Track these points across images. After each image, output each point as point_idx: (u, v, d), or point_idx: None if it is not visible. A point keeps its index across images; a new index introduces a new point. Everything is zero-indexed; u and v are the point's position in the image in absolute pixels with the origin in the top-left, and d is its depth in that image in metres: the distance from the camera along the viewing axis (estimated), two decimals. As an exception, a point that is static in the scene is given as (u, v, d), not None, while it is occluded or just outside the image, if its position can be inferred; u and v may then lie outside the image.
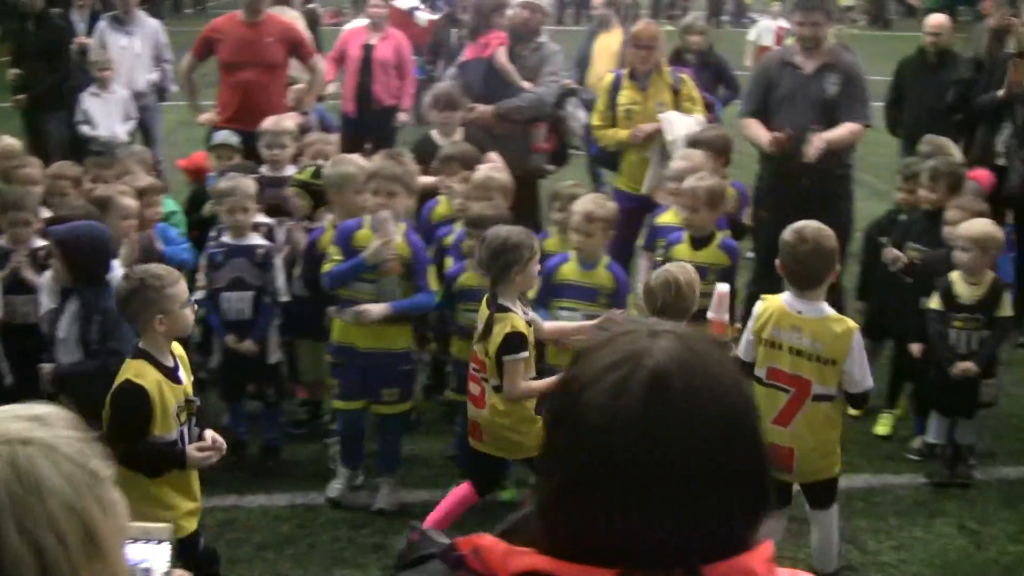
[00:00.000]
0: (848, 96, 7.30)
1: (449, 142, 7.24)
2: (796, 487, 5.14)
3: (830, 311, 4.92)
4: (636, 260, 7.43)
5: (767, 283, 6.38)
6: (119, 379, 4.47)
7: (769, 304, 5.01)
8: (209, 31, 9.09)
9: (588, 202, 5.93)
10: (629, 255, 7.75)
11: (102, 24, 10.82)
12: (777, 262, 5.03)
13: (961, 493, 6.15)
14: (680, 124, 7.53)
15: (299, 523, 5.79)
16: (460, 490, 5.46)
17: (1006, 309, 6.05)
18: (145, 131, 10.80)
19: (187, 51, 9.22)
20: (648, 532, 1.40)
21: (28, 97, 10.56)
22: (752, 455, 1.48)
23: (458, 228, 6.38)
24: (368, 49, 10.39)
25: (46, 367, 5.34)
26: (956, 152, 7.58)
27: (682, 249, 6.13)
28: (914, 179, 6.84)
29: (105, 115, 9.87)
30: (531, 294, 5.92)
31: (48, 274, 5.54)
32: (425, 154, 7.15)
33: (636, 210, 7.82)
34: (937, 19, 9.87)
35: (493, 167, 6.77)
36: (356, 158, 6.48)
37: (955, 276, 6.05)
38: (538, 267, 5.36)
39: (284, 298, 6.28)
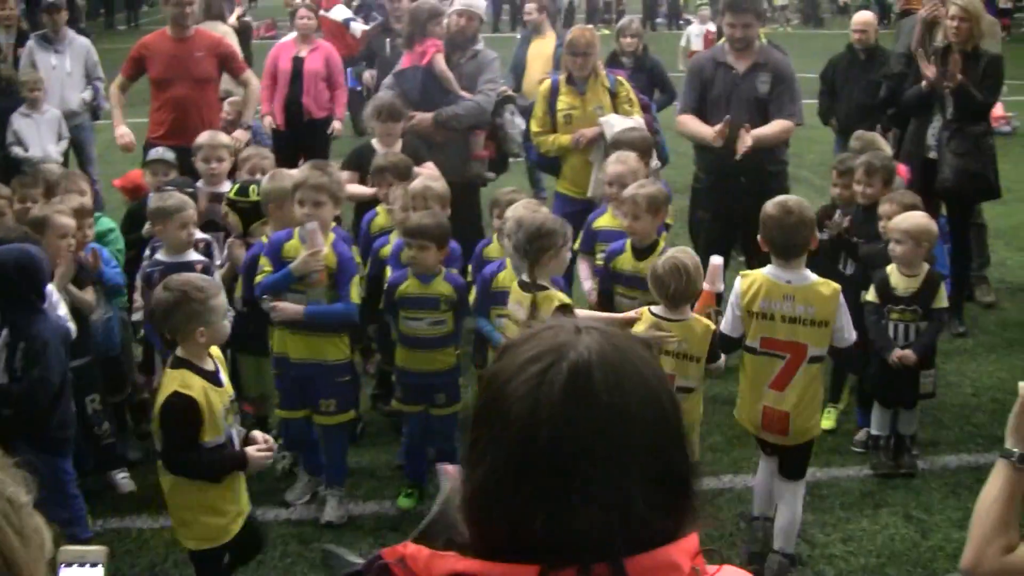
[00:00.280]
0: (779, 94, 7.44)
1: (388, 152, 7.20)
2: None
3: (814, 276, 5.18)
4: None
5: None
6: (165, 391, 4.52)
7: (753, 279, 5.20)
8: (138, 49, 9.03)
9: (519, 208, 5.91)
10: (574, 258, 7.77)
11: (31, 43, 10.68)
12: (759, 237, 5.27)
13: (906, 483, 6.22)
14: (620, 126, 7.56)
15: (248, 540, 5.73)
16: None
17: (942, 300, 6.14)
18: (79, 150, 10.69)
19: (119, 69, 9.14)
20: (570, 523, 1.42)
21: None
22: (674, 449, 1.51)
23: (394, 238, 6.37)
24: (298, 61, 10.37)
25: None
26: (886, 146, 7.71)
27: (625, 259, 6.10)
28: (848, 174, 6.94)
29: (37, 135, 9.74)
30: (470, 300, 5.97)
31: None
32: (365, 164, 7.16)
33: (580, 214, 7.82)
34: (863, 16, 10.07)
35: (430, 176, 6.76)
36: (293, 172, 6.43)
37: (891, 269, 6.13)
38: (569, 254, 5.59)
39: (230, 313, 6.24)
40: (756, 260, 5.82)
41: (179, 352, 4.64)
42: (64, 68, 10.56)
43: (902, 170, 7.69)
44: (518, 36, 13.71)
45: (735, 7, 7.40)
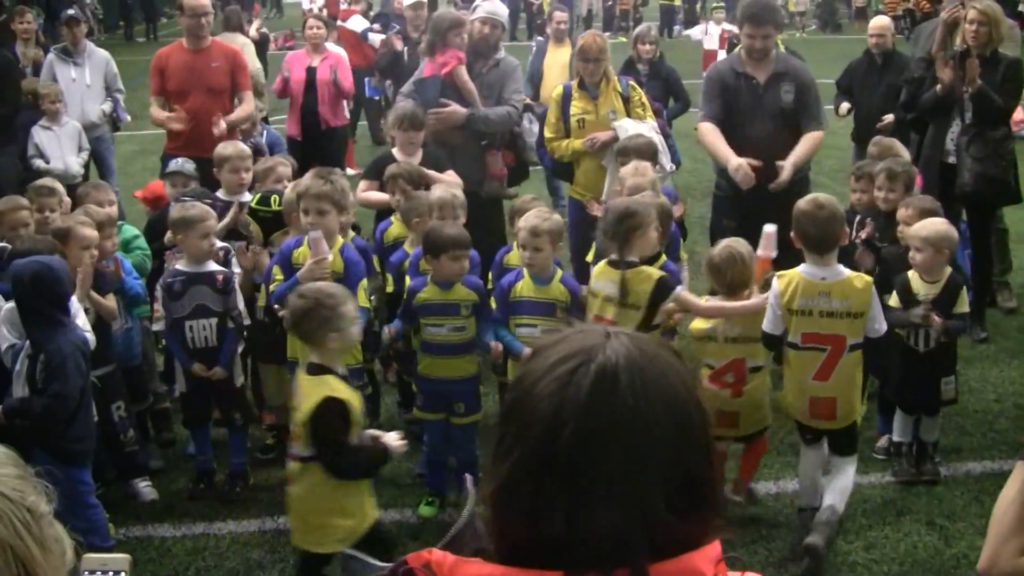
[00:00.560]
0: (804, 104, 7.42)
1: (402, 160, 7.22)
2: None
3: (847, 271, 5.40)
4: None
5: None
6: (313, 398, 4.68)
7: (790, 279, 5.38)
8: (156, 61, 9.08)
9: (532, 217, 5.93)
10: (588, 264, 7.78)
11: (51, 56, 10.76)
12: (792, 235, 5.45)
13: (928, 490, 6.17)
14: (634, 131, 7.56)
15: (269, 548, 5.75)
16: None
17: (963, 305, 6.09)
18: (99, 163, 10.75)
19: (141, 80, 9.17)
20: (590, 523, 1.44)
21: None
22: (698, 454, 1.52)
23: (408, 248, 6.39)
24: (311, 72, 10.43)
25: None
26: (904, 152, 7.67)
27: None
28: (866, 179, 6.93)
29: (57, 148, 9.80)
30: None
31: (7, 306, 5.48)
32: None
33: (594, 218, 7.86)
34: (880, 21, 10.05)
35: (451, 186, 6.74)
36: None
37: (912, 274, 6.10)
38: (655, 233, 5.72)
39: (246, 321, 6.26)
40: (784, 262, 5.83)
41: (314, 359, 4.87)
42: (84, 81, 10.62)
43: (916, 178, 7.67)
44: (534, 45, 13.75)
45: (755, 19, 7.34)
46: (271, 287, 5.94)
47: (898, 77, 9.31)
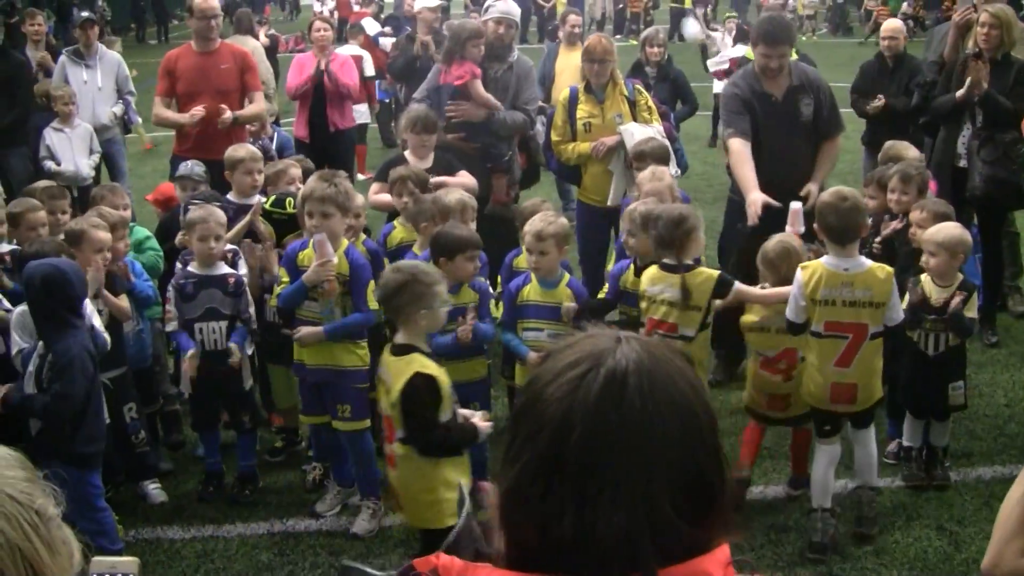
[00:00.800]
0: (823, 114, 7.36)
1: (408, 164, 7.21)
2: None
3: (869, 262, 5.54)
4: (604, 272, 7.38)
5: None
6: (403, 376, 4.75)
7: (813, 270, 5.51)
8: (165, 64, 9.07)
9: (537, 221, 5.96)
10: (597, 267, 7.79)
11: (62, 59, 10.80)
12: (816, 226, 5.64)
13: (938, 495, 6.16)
14: (640, 134, 7.55)
15: (278, 551, 5.75)
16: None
17: (972, 310, 6.07)
18: (110, 164, 10.78)
19: (153, 82, 9.18)
20: (598, 526, 1.44)
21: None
22: (706, 460, 1.52)
23: (418, 251, 6.40)
24: (320, 74, 10.45)
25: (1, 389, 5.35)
26: (915, 153, 7.64)
27: (628, 276, 6.21)
28: (874, 186, 6.93)
29: (69, 150, 9.82)
30: (497, 314, 6.02)
31: (18, 309, 5.50)
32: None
33: (602, 222, 7.85)
34: (892, 24, 10.04)
35: (464, 188, 6.73)
36: None
37: (924, 278, 6.08)
38: (703, 235, 5.89)
39: (252, 324, 6.27)
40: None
41: (400, 339, 4.94)
42: (95, 83, 10.65)
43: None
44: (544, 48, 13.76)
45: (771, 39, 7.17)
46: (277, 289, 5.95)
47: (910, 80, 9.29)
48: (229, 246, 6.39)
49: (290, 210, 6.47)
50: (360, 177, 12.93)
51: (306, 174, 6.98)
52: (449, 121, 7.94)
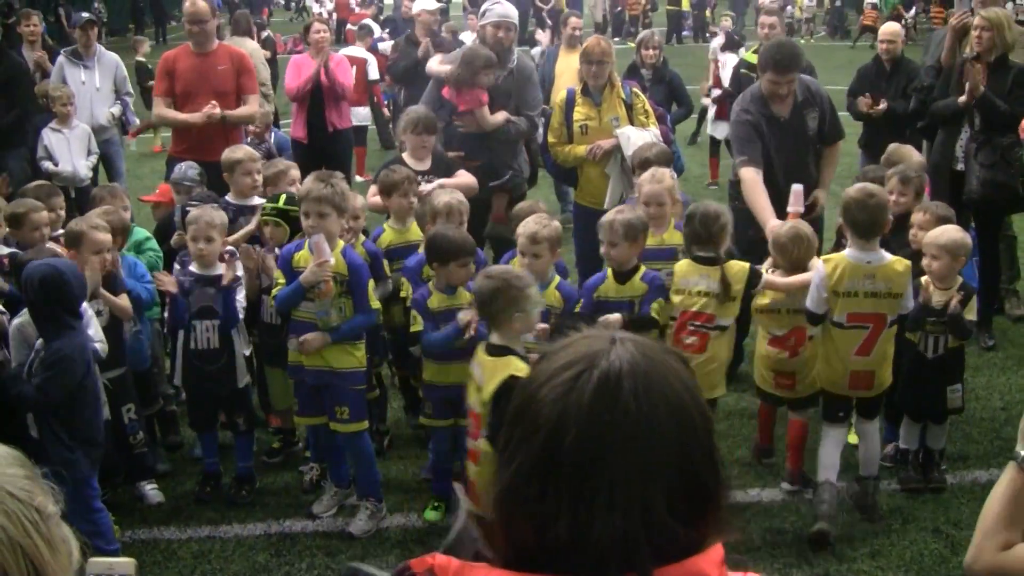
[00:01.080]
0: (825, 124, 7.42)
1: (396, 167, 7.17)
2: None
3: (889, 255, 5.77)
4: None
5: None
6: (501, 376, 4.93)
7: (836, 263, 5.75)
8: (163, 64, 9.08)
9: (531, 224, 5.97)
10: (594, 270, 7.77)
11: (60, 59, 10.79)
12: (839, 221, 5.95)
13: (934, 498, 6.17)
14: (637, 138, 7.54)
15: (275, 552, 5.75)
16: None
17: (971, 313, 6.08)
18: (108, 165, 10.78)
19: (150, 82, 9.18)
20: (593, 527, 1.44)
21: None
22: (701, 461, 1.53)
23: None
24: (318, 75, 10.45)
25: None
26: (919, 158, 7.65)
27: (607, 286, 6.06)
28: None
29: (67, 150, 9.82)
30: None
31: (17, 321, 5.51)
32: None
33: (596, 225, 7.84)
34: (890, 27, 10.05)
35: (453, 193, 6.69)
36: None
37: (924, 280, 6.08)
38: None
39: (241, 314, 6.21)
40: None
41: (496, 339, 5.14)
42: (93, 83, 10.65)
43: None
44: (544, 49, 13.75)
45: (781, 67, 7.15)
46: (274, 291, 5.95)
47: (907, 83, 9.30)
48: (228, 247, 6.39)
49: None
50: (359, 179, 12.94)
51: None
52: (449, 139, 7.93)
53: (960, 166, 8.24)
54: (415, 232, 6.67)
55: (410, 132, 7.37)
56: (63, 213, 7.00)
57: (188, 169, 7.51)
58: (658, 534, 1.45)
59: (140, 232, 6.93)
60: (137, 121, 11.54)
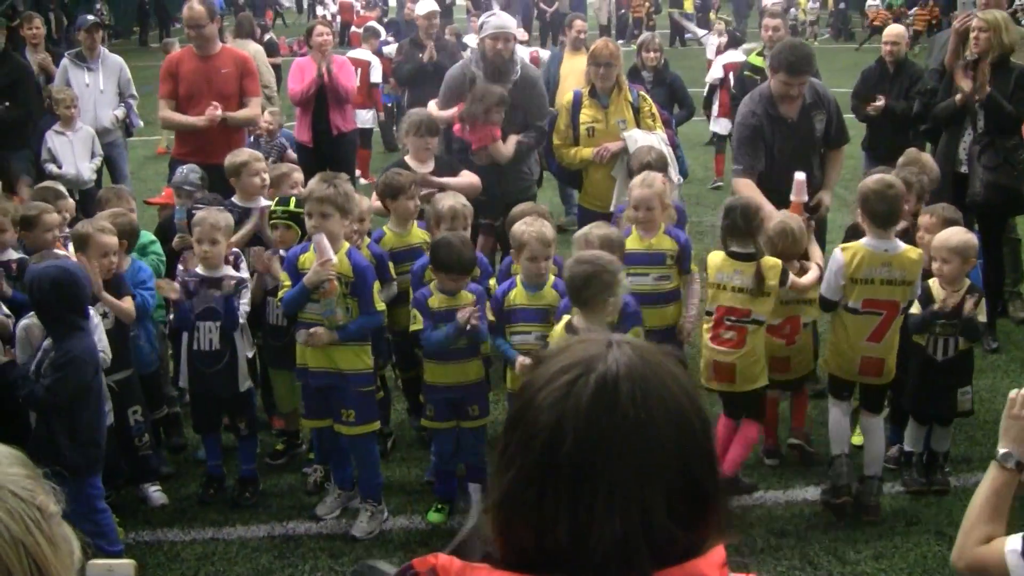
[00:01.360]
0: (831, 128, 7.45)
1: (417, 167, 7.20)
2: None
3: (904, 244, 5.95)
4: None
5: None
6: None
7: (854, 251, 5.91)
8: (166, 66, 9.10)
9: (521, 226, 6.00)
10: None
11: (65, 61, 10.80)
12: (859, 211, 6.05)
13: (938, 500, 6.16)
14: (644, 141, 7.54)
15: (278, 554, 5.76)
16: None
17: (982, 315, 6.07)
18: (112, 168, 10.78)
19: (155, 85, 9.18)
20: (593, 532, 1.44)
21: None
22: (700, 463, 1.52)
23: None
24: (321, 77, 10.47)
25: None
26: (934, 166, 7.60)
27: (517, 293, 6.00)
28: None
29: (70, 153, 9.83)
30: (491, 316, 6.01)
31: (24, 323, 5.55)
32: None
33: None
34: (895, 29, 10.04)
35: (456, 197, 6.69)
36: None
37: (932, 283, 6.08)
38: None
39: (242, 320, 6.20)
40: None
41: (581, 324, 5.20)
42: (97, 86, 10.65)
43: None
44: (548, 52, 13.77)
45: (794, 70, 7.18)
46: (280, 293, 5.96)
47: (910, 86, 9.29)
48: (234, 249, 6.40)
49: None
50: (362, 181, 12.94)
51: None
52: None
53: (963, 169, 8.23)
54: (416, 235, 6.68)
55: (412, 135, 7.35)
56: (67, 216, 7.00)
57: (190, 173, 7.47)
58: (658, 538, 1.45)
59: (145, 235, 6.93)
60: (141, 123, 11.53)
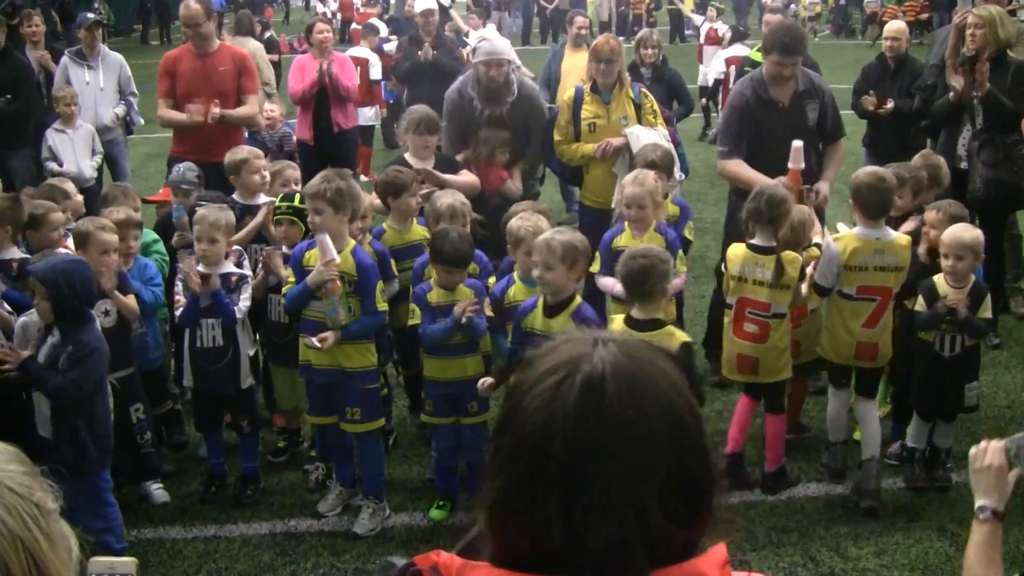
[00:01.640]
0: (827, 118, 7.43)
1: (417, 165, 7.18)
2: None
3: (894, 232, 6.16)
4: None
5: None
6: (675, 345, 5.11)
7: (848, 241, 6.09)
8: (164, 64, 9.09)
9: (517, 221, 6.02)
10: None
11: (65, 59, 10.79)
12: (851, 201, 6.17)
13: (940, 496, 6.17)
14: (646, 138, 7.53)
15: (280, 551, 5.76)
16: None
17: (987, 311, 6.04)
18: (112, 166, 10.77)
19: (155, 83, 9.18)
20: (588, 534, 1.43)
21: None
22: (693, 459, 1.50)
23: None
24: (321, 76, 10.46)
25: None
26: (944, 168, 7.56)
27: (535, 316, 5.66)
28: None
29: (71, 151, 9.82)
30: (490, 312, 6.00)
31: (22, 320, 5.56)
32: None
33: (603, 224, 7.82)
34: (895, 25, 10.03)
35: (455, 195, 6.68)
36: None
37: (938, 279, 6.06)
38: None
39: (239, 315, 6.17)
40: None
41: (641, 314, 5.43)
42: (97, 84, 10.64)
43: None
44: (549, 49, 13.76)
45: (787, 50, 7.19)
46: (284, 290, 5.97)
47: (911, 82, 9.29)
48: (236, 246, 6.39)
49: None
50: (363, 179, 12.94)
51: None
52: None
53: (963, 165, 8.23)
54: (416, 232, 6.66)
55: (412, 132, 7.33)
56: (70, 215, 6.99)
57: (187, 172, 7.42)
58: (654, 537, 1.44)
59: (149, 234, 6.90)
60: (142, 121, 11.52)
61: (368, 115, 13.99)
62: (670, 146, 7.58)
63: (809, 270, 6.22)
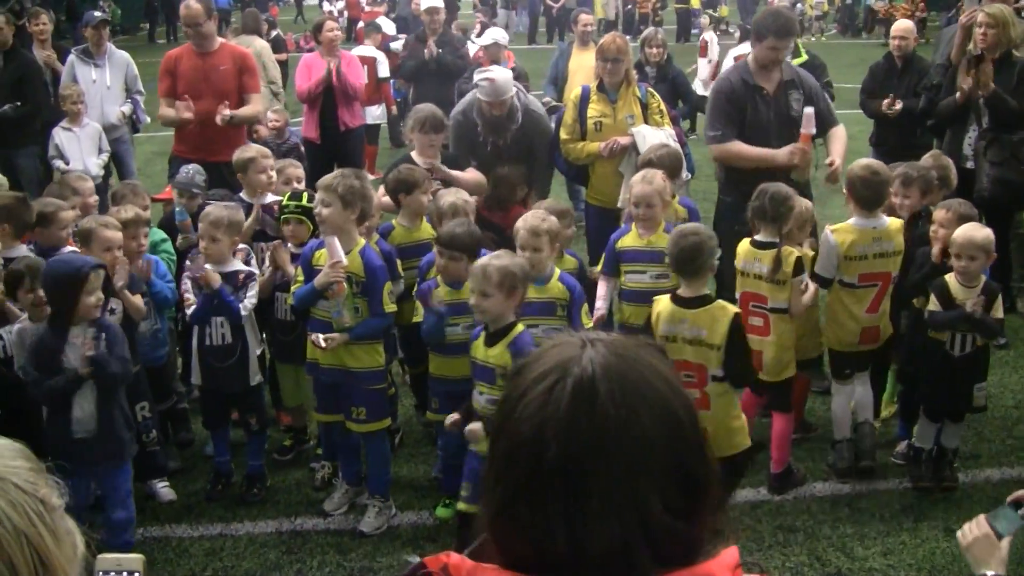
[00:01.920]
0: (820, 109, 7.42)
1: (403, 167, 7.14)
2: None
3: (888, 218, 6.36)
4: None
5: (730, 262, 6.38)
6: (725, 318, 5.44)
7: (846, 232, 6.28)
8: (165, 64, 9.11)
9: (531, 217, 5.97)
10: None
11: (71, 58, 10.80)
12: (846, 192, 6.39)
13: (946, 496, 6.16)
14: (652, 137, 7.51)
15: (286, 549, 5.77)
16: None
17: (998, 311, 6.02)
18: (119, 164, 10.78)
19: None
20: (592, 538, 1.42)
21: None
22: (690, 454, 1.50)
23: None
24: (329, 75, 10.46)
25: None
26: (954, 170, 7.54)
27: (477, 345, 5.43)
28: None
29: (77, 149, 9.83)
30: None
31: (17, 326, 5.59)
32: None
33: (609, 223, 7.81)
34: (903, 24, 10.02)
35: (459, 193, 6.67)
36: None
37: (949, 279, 6.03)
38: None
39: (244, 312, 6.18)
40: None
41: (689, 292, 5.54)
42: (104, 82, 10.65)
43: None
44: (556, 48, 13.76)
45: (782, 33, 7.31)
46: (293, 288, 5.96)
47: (918, 81, 9.27)
48: (241, 245, 6.39)
49: None
50: (370, 177, 12.93)
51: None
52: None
53: (969, 164, 8.22)
54: (425, 230, 6.66)
55: (418, 131, 7.32)
56: (78, 209, 7.00)
57: (196, 175, 7.43)
58: (658, 536, 1.43)
59: (157, 233, 6.89)
60: (148, 119, 11.54)
61: (375, 113, 13.99)
62: (677, 146, 7.56)
63: (806, 298, 6.21)
